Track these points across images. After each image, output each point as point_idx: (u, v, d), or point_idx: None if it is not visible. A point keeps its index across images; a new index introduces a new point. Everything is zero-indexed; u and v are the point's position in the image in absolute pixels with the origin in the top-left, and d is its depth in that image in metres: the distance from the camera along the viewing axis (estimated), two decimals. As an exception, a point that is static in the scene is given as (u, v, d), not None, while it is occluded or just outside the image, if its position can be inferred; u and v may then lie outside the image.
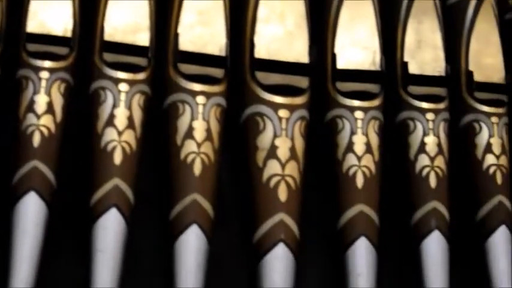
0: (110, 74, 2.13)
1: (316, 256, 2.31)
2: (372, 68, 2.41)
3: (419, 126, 2.43)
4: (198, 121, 2.17)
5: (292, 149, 2.23)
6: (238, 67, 2.32)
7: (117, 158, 2.04)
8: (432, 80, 2.48)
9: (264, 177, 2.19)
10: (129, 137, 2.08)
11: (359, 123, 2.35)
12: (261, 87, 2.27)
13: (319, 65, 2.40)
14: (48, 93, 2.07)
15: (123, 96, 2.11)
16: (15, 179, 2.00)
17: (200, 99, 2.20)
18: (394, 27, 2.53)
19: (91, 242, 1.99)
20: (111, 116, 2.08)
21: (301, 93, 2.30)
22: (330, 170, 2.34)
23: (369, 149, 2.32)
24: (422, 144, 2.41)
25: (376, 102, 2.39)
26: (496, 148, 2.48)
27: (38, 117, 2.03)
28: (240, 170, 2.27)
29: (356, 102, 2.36)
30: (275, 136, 2.23)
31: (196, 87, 2.20)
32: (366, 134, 2.33)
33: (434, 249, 2.31)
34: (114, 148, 2.05)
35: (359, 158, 2.31)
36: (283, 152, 2.22)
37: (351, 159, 2.30)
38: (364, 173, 2.29)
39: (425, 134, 2.42)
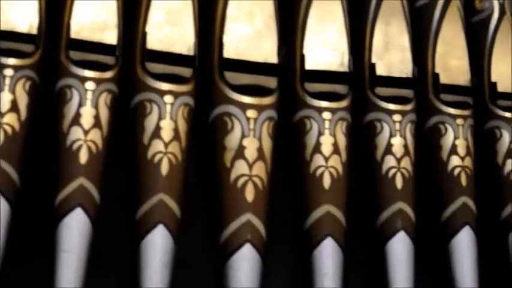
0: (77, 73, 2.10)
1: (283, 256, 2.32)
2: (340, 69, 2.42)
3: (386, 128, 2.45)
4: (166, 121, 2.16)
5: (260, 150, 2.23)
6: (207, 67, 2.31)
7: (83, 157, 2.02)
8: (399, 82, 2.50)
9: (231, 177, 2.19)
10: (95, 136, 2.06)
11: (327, 124, 2.36)
12: (230, 87, 2.27)
13: (287, 66, 2.40)
14: (13, 91, 2.04)
15: (89, 95, 2.09)
16: (-24, 179, 1.97)
17: (168, 98, 2.18)
18: (362, 29, 2.55)
19: (55, 242, 1.97)
20: (77, 115, 2.06)
21: (269, 93, 2.30)
22: (297, 171, 2.34)
23: (336, 149, 2.33)
24: (389, 145, 2.43)
25: (344, 103, 2.40)
26: (461, 150, 2.51)
27: (2, 115, 2.00)
28: (208, 170, 2.26)
29: (324, 103, 2.37)
30: (243, 136, 2.23)
31: (164, 86, 2.19)
32: (334, 135, 2.35)
33: (400, 250, 2.33)
34: (79, 147, 2.03)
35: (326, 159, 2.32)
36: (250, 152, 2.22)
37: (318, 160, 2.31)
38: (331, 173, 2.30)
39: (392, 135, 2.44)
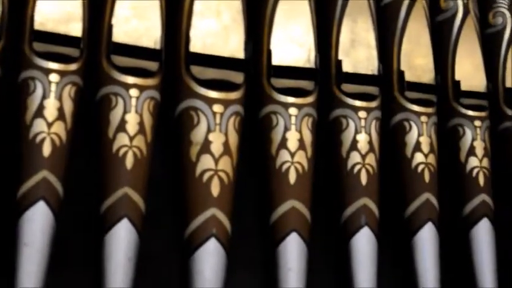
0: (40, 64, 2.07)
1: (247, 251, 2.32)
2: (307, 65, 2.43)
3: (352, 124, 2.46)
4: (131, 114, 2.14)
5: (226, 144, 2.23)
6: (173, 61, 2.30)
7: (46, 150, 1.99)
8: (365, 79, 2.52)
9: (197, 171, 2.18)
10: (59, 128, 2.02)
11: (293, 119, 2.36)
12: (196, 82, 2.26)
13: (254, 61, 2.40)
14: (-27, 82, 2.00)
15: (53, 87, 2.05)
16: None
17: (133, 92, 2.16)
18: (329, 26, 2.56)
19: (17, 235, 1.93)
20: (41, 107, 2.02)
21: (236, 88, 2.30)
22: (263, 166, 2.34)
23: (302, 145, 2.34)
24: (354, 141, 2.44)
25: (310, 99, 2.41)
26: (425, 147, 2.54)
27: None
28: (174, 165, 2.25)
29: (290, 99, 2.38)
30: (209, 131, 2.22)
31: (130, 79, 2.17)
32: (300, 131, 2.35)
33: (364, 246, 2.36)
34: (43, 140, 2.00)
35: (292, 154, 2.32)
36: (216, 147, 2.21)
37: (284, 155, 2.32)
38: (296, 169, 2.31)
39: (357, 131, 2.46)
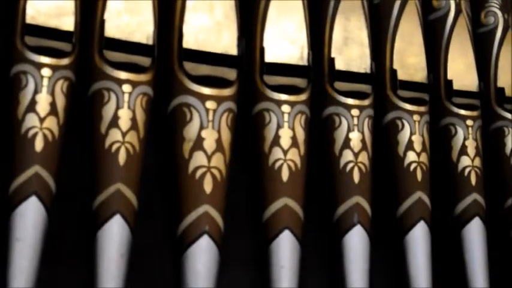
0: (32, 58, 2.04)
1: (240, 248, 2.32)
2: (300, 63, 2.42)
3: (345, 122, 2.46)
4: (124, 110, 2.12)
5: (219, 141, 2.22)
6: (166, 57, 2.29)
7: (38, 145, 1.97)
8: (358, 77, 2.52)
9: (189, 168, 2.17)
10: (51, 123, 2.00)
11: (286, 117, 2.36)
12: (189, 78, 2.25)
13: (247, 58, 2.39)
14: (-36, 76, 1.97)
15: (45, 82, 2.03)
16: None
17: (126, 87, 2.15)
18: (322, 23, 2.55)
19: (9, 230, 1.91)
20: (33, 102, 2.00)
21: (228, 85, 2.29)
22: (256, 163, 2.34)
23: (295, 143, 2.34)
24: (347, 139, 2.44)
25: (303, 97, 2.41)
26: (417, 145, 2.55)
27: None
28: (166, 161, 2.23)
29: (283, 96, 2.37)
30: (201, 127, 2.21)
31: (122, 75, 2.16)
32: (293, 128, 2.35)
33: (356, 244, 2.35)
34: (35, 135, 1.98)
35: (285, 152, 2.32)
36: (209, 143, 2.20)
37: (276, 153, 2.31)
38: (289, 166, 2.31)
39: (350, 129, 2.46)
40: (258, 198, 2.31)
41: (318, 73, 2.51)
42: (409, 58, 2.65)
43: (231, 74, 2.30)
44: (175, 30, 2.30)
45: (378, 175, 2.50)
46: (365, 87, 2.52)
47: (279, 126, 2.34)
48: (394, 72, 2.61)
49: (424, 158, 2.54)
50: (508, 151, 2.75)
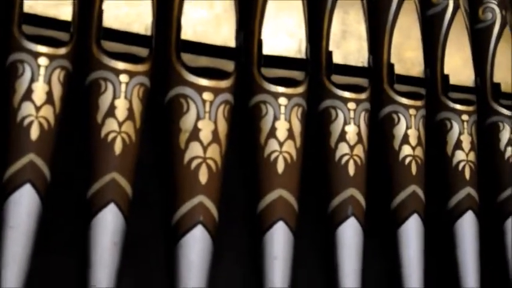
0: (29, 47, 2.05)
1: (234, 239, 2.33)
2: (298, 56, 2.43)
3: (341, 115, 2.47)
4: (120, 100, 2.13)
5: (215, 132, 2.23)
6: (164, 48, 2.29)
7: (34, 133, 1.98)
8: (355, 71, 2.53)
9: (185, 159, 2.18)
10: (47, 112, 2.01)
11: (282, 109, 2.37)
12: (186, 69, 2.26)
13: (245, 50, 2.40)
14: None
15: (42, 71, 2.04)
16: None
17: (123, 77, 2.16)
18: (321, 17, 2.56)
19: (3, 218, 1.92)
20: (29, 91, 2.01)
21: (226, 77, 2.30)
22: (251, 155, 2.35)
23: (291, 135, 2.35)
24: (343, 132, 2.45)
25: (300, 90, 2.42)
26: (413, 139, 2.56)
27: None
28: (162, 151, 2.25)
29: (280, 89, 2.38)
30: (198, 118, 2.22)
31: (120, 65, 2.16)
32: (289, 120, 2.36)
33: (350, 236, 2.37)
34: (31, 123, 1.99)
35: (281, 144, 2.33)
36: (205, 134, 2.21)
37: (272, 145, 2.32)
38: (285, 158, 2.32)
39: (346, 123, 2.47)
40: (253, 190, 2.32)
41: (315, 66, 2.51)
42: (406, 52, 2.66)
43: (228, 66, 2.31)
44: (173, 21, 2.31)
45: (373, 168, 2.51)
46: (362, 81, 2.53)
47: (275, 119, 2.35)
48: (391, 66, 2.62)
49: (419, 152, 2.56)
50: (502, 146, 2.76)
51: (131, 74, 2.16)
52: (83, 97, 2.15)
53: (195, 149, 2.19)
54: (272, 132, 2.34)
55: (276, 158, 2.31)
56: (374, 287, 2.49)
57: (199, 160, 2.18)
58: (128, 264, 2.07)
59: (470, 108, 2.72)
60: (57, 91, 2.05)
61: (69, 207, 2.13)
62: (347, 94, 2.49)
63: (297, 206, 2.31)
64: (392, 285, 2.48)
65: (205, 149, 2.20)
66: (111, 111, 2.11)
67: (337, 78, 2.51)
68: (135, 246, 2.14)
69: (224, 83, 2.29)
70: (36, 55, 2.04)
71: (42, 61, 2.05)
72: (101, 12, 2.18)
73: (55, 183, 2.03)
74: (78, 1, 2.15)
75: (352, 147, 2.44)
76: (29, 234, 1.93)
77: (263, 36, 2.42)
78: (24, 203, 1.94)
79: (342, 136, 2.45)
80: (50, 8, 2.09)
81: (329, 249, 2.38)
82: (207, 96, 2.25)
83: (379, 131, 2.58)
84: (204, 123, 2.22)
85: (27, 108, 1.99)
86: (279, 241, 2.24)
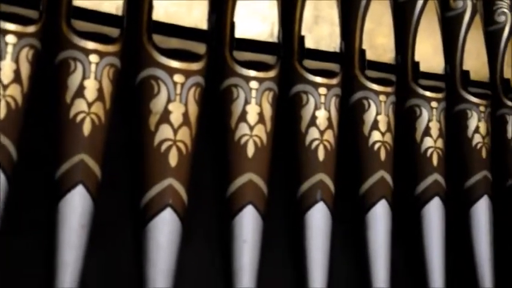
0: (-3, 25, 2.01)
1: (204, 222, 2.33)
2: (270, 40, 2.42)
3: (312, 100, 2.48)
4: (90, 80, 2.10)
5: (186, 115, 2.22)
6: (135, 28, 2.27)
7: (1, 112, 1.94)
8: (327, 56, 2.53)
9: (155, 141, 2.17)
10: (15, 91, 1.97)
11: (253, 93, 2.36)
12: (158, 51, 2.24)
13: (217, 33, 2.39)
14: None
15: (10, 49, 2.00)
16: None
17: (93, 57, 2.13)
18: (294, 1, 2.55)
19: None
20: (-4, 69, 1.97)
21: (197, 59, 2.28)
22: (222, 138, 2.34)
23: (261, 119, 2.35)
24: (314, 117, 2.46)
25: (271, 74, 2.41)
26: (382, 125, 2.58)
27: None
28: (133, 133, 2.23)
29: (252, 73, 2.38)
30: (169, 101, 2.21)
31: (90, 45, 2.13)
32: (260, 104, 2.36)
33: (318, 220, 2.39)
34: None
35: (251, 128, 2.33)
36: (176, 117, 2.20)
37: (243, 129, 2.32)
38: (255, 142, 2.32)
39: (316, 107, 2.47)
40: (223, 173, 2.32)
41: (287, 50, 2.51)
42: (378, 39, 2.67)
43: (200, 48, 2.30)
44: (145, 1, 2.28)
45: (342, 153, 2.52)
46: (334, 66, 2.54)
47: (246, 102, 2.35)
48: (362, 52, 2.63)
49: (388, 138, 2.58)
50: (470, 133, 2.80)
51: (101, 54, 2.13)
52: (52, 76, 2.12)
53: (165, 132, 2.17)
54: (243, 116, 2.33)
55: (246, 142, 2.31)
56: (342, 271, 2.50)
57: (170, 143, 2.17)
58: (96, 246, 2.06)
59: (440, 96, 2.75)
60: (25, 70, 2.01)
61: (36, 188, 2.10)
62: (318, 79, 2.50)
63: (266, 190, 2.32)
64: (360, 269, 2.50)
65: (175, 131, 2.19)
66: (80, 92, 2.08)
67: (308, 63, 2.51)
68: (104, 228, 2.12)
69: (195, 66, 2.27)
70: (4, 33, 2.00)
71: (10, 39, 2.00)
72: (71, -10, 2.14)
73: (22, 164, 2.00)
74: (48, -21, 2.11)
75: (322, 132, 2.45)
76: None
77: (235, 19, 2.40)
78: (-11, 183, 1.91)
79: (313, 121, 2.46)
80: (19, -15, 2.05)
81: (298, 233, 2.39)
82: (178, 78, 2.23)
83: (350, 117, 2.59)
84: (174, 105, 2.21)
85: (-7, 88, 1.95)
86: (248, 225, 2.25)
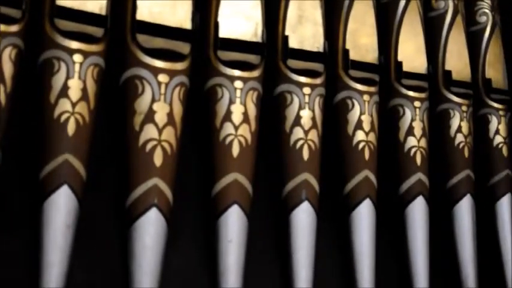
0: (-22, 24, 1.99)
1: (189, 222, 2.32)
2: (254, 39, 2.43)
3: (296, 100, 2.49)
4: (74, 80, 2.09)
5: (170, 115, 2.21)
6: (119, 28, 2.26)
7: (-16, 112, 1.93)
8: (310, 56, 2.54)
9: (140, 141, 2.16)
10: (-2, 91, 1.96)
11: (238, 92, 2.36)
12: (142, 50, 2.23)
13: (201, 33, 2.38)
14: None
15: (-8, 49, 1.99)
16: None
17: (77, 57, 2.12)
18: (277, 1, 2.56)
19: None
20: (-22, 69, 1.95)
21: (182, 59, 2.28)
22: (207, 138, 2.34)
23: (246, 118, 2.35)
24: (298, 117, 2.47)
25: (255, 73, 2.42)
26: (366, 125, 2.60)
27: None
28: (117, 133, 2.22)
29: (236, 72, 2.38)
30: (153, 100, 2.20)
31: (74, 44, 2.12)
32: (244, 104, 2.36)
33: (303, 220, 2.39)
34: None
35: (236, 127, 2.33)
36: (160, 117, 2.20)
37: (228, 128, 2.32)
38: (240, 142, 2.32)
39: (301, 107, 2.48)
40: (208, 173, 2.32)
41: (271, 50, 2.51)
42: (361, 39, 2.68)
43: (184, 48, 2.29)
44: (129, 1, 2.27)
45: (327, 153, 2.53)
46: (317, 66, 2.55)
47: (231, 102, 2.35)
48: (346, 52, 2.64)
49: (372, 137, 2.59)
50: (452, 133, 2.83)
51: (85, 54, 2.13)
52: (36, 76, 2.10)
53: (150, 132, 2.17)
54: (227, 116, 2.33)
55: (231, 142, 2.31)
56: (327, 271, 2.51)
57: (154, 142, 2.17)
58: (81, 246, 2.05)
59: (423, 95, 2.77)
60: (8, 69, 2.00)
61: (21, 189, 2.09)
62: (302, 79, 2.51)
63: (251, 189, 2.32)
64: (345, 268, 2.52)
65: (160, 131, 2.18)
66: (64, 92, 2.07)
67: (292, 63, 2.52)
68: (89, 229, 2.11)
69: (180, 65, 2.27)
70: (-11, 32, 1.98)
71: (-7, 39, 1.99)
72: (54, -11, 2.13)
73: (6, 164, 1.98)
74: (30, -22, 2.10)
75: (306, 132, 2.46)
76: None
77: (219, 19, 2.40)
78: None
79: (297, 121, 2.46)
80: (0, -16, 2.03)
81: (283, 232, 2.40)
82: (163, 78, 2.23)
83: (334, 116, 2.60)
84: (159, 105, 2.20)
85: (-23, 88, 1.93)
86: (233, 224, 2.25)
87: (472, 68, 2.91)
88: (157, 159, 2.15)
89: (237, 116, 2.34)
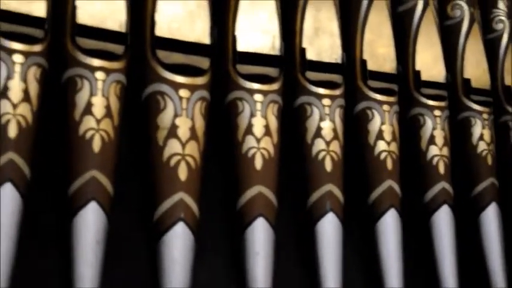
0: (4, 44, 1.97)
1: (216, 235, 2.32)
2: (272, 53, 2.43)
3: (316, 111, 2.49)
4: (97, 97, 2.10)
5: (193, 129, 2.22)
6: (139, 44, 2.28)
7: (12, 132, 1.92)
8: (329, 67, 2.55)
9: (164, 156, 2.16)
10: (25, 110, 1.97)
11: (258, 105, 2.37)
12: (162, 66, 2.24)
13: (220, 47, 2.39)
14: None
15: (18, 68, 2.00)
16: None
17: (99, 75, 2.13)
18: (294, 14, 2.57)
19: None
20: (5, 89, 1.95)
21: (202, 73, 2.29)
22: (230, 151, 2.34)
23: (267, 131, 2.35)
24: (319, 128, 2.47)
25: (275, 86, 2.42)
26: (387, 135, 2.59)
27: None
28: (141, 149, 2.23)
29: (255, 85, 2.39)
30: (175, 115, 2.21)
31: (95, 62, 2.13)
32: (265, 117, 2.36)
33: (329, 231, 2.38)
34: (8, 122, 1.93)
35: (258, 140, 2.33)
36: (183, 131, 2.20)
37: (250, 141, 2.33)
38: (263, 155, 2.32)
39: (321, 119, 2.48)
40: (232, 186, 2.32)
41: (289, 63, 2.52)
42: (378, 49, 2.69)
43: (204, 62, 2.30)
44: (147, 18, 2.29)
45: (349, 164, 2.53)
46: (336, 77, 2.55)
47: (251, 115, 2.35)
48: (364, 63, 2.64)
49: (394, 147, 2.59)
50: (474, 140, 2.82)
51: (107, 71, 2.14)
52: (60, 95, 2.12)
53: (173, 146, 2.17)
54: (249, 129, 2.34)
55: (254, 155, 2.32)
56: (355, 281, 2.50)
57: (178, 157, 2.17)
58: (111, 262, 2.04)
59: (442, 104, 2.77)
60: (33, 89, 2.01)
61: (51, 206, 2.09)
62: (321, 90, 2.51)
63: (276, 201, 2.31)
64: (372, 278, 2.50)
65: (183, 145, 2.19)
66: (88, 109, 2.08)
67: (311, 75, 2.53)
68: (117, 244, 2.11)
69: (200, 80, 2.28)
70: (11, 52, 1.99)
71: (17, 58, 2.00)
72: (74, 8, 2.15)
73: (35, 182, 1.99)
74: (51, -3, 2.11)
75: (328, 143, 2.46)
76: (12, 235, 1.87)
77: (237, 33, 2.41)
78: (6, 202, 1.87)
79: (318, 132, 2.46)
80: (23, 4, 2.05)
81: (309, 243, 2.39)
82: (184, 93, 2.24)
83: (355, 127, 2.60)
84: (181, 120, 2.21)
85: (4, 107, 1.93)
86: (259, 237, 2.24)
87: (491, 76, 2.91)
88: (182, 173, 2.16)
89: (258, 129, 2.34)
